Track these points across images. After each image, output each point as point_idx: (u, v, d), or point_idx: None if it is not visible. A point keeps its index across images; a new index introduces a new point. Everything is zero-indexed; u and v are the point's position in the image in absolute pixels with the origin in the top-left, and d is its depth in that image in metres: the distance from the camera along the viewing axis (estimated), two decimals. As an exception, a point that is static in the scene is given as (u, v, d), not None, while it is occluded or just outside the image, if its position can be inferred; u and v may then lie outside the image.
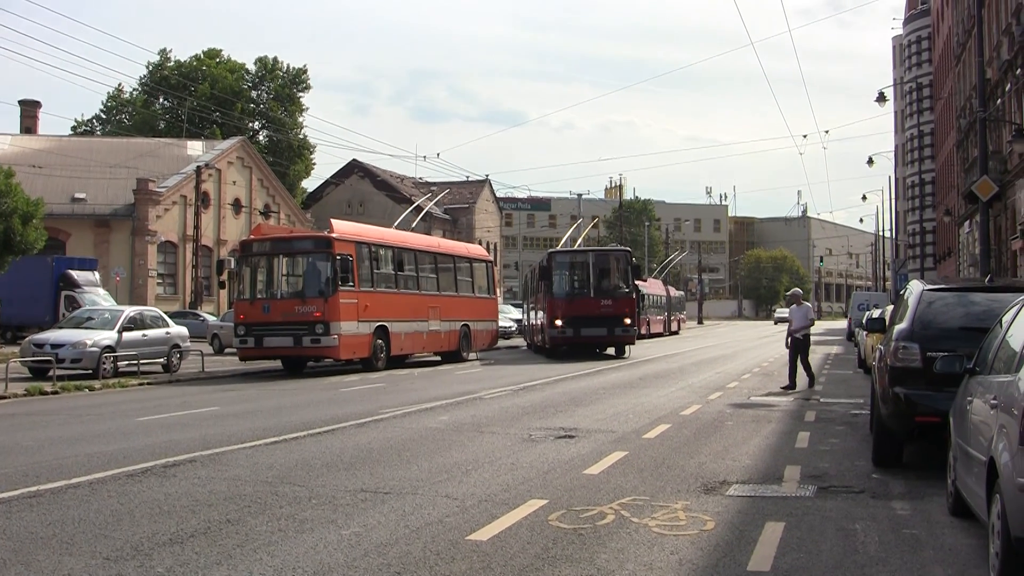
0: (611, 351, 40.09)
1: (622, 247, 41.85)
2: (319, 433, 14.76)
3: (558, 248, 51.69)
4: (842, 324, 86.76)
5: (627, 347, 39.81)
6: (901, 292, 15.09)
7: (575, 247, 58.79)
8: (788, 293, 25.17)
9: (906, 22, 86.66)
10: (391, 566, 7.14)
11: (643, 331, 62.93)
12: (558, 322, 37.36)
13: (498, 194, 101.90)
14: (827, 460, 12.26)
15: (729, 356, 39.06)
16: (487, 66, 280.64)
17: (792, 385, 22.63)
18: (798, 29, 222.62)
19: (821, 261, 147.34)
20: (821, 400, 20.43)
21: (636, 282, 40.74)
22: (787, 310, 27.46)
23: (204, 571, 7.01)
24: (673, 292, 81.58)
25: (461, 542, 7.85)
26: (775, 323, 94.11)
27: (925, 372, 10.77)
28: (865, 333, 29.03)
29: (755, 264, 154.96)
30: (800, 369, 22.95)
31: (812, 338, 23.99)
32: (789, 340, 23.28)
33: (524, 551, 7.58)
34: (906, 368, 11.06)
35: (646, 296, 65.68)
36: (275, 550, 7.58)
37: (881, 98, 40.88)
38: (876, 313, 27.04)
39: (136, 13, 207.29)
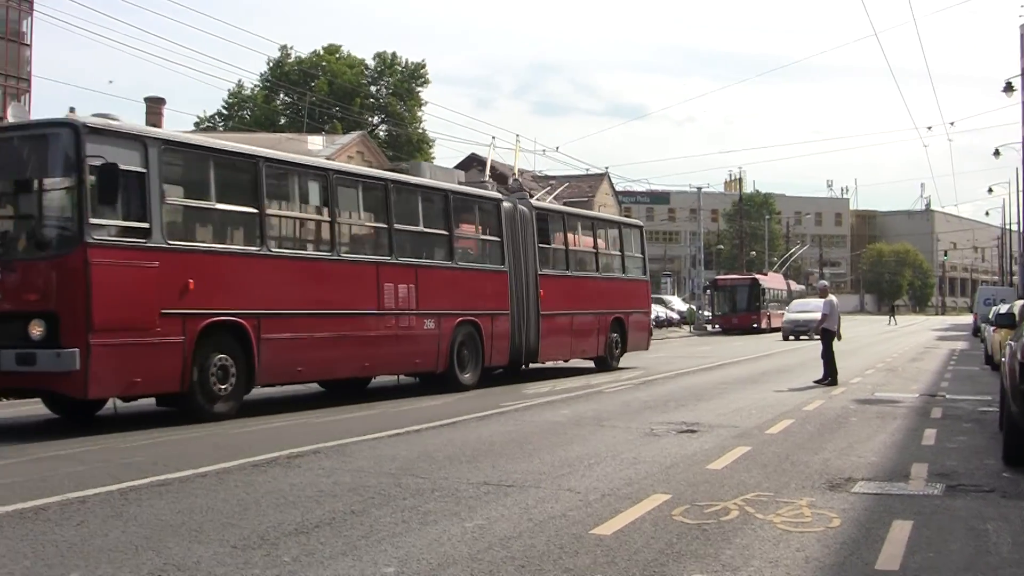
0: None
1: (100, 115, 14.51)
2: (441, 426, 14.86)
3: None
4: (967, 319, 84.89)
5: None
6: (1033, 287, 14.72)
7: None
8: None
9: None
10: (515, 559, 7.14)
11: (763, 325, 62.43)
12: None
13: (617, 187, 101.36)
14: (955, 458, 11.97)
15: (852, 351, 38.38)
16: (608, 60, 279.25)
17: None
18: (923, 18, 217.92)
19: (945, 255, 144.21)
20: (947, 397, 20.00)
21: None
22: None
23: (330, 561, 7.08)
24: (794, 286, 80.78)
25: (585, 536, 7.82)
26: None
27: (1058, 369, 10.48)
28: (992, 328, 28.35)
29: (877, 258, 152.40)
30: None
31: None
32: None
33: (648, 546, 7.52)
34: (1038, 365, 10.75)
35: (766, 291, 65.00)
36: (399, 541, 7.62)
37: (1008, 88, 39.99)
38: (1004, 308, 26.53)
39: (258, 10, 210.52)
